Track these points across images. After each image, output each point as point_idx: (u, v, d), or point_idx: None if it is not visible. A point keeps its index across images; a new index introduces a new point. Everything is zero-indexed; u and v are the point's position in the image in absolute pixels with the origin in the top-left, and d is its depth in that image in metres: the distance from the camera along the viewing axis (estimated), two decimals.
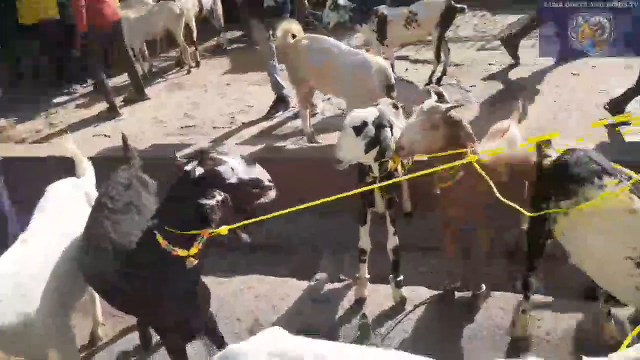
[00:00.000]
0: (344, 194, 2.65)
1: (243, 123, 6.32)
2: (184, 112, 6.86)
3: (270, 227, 4.47)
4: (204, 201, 2.27)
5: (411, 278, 3.81)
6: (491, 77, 6.72)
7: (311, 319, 3.64)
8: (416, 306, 3.67)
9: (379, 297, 3.78)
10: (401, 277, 3.66)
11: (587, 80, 6.24)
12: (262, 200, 2.37)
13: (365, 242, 3.62)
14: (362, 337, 3.43)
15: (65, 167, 3.73)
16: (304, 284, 4.07)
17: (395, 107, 3.80)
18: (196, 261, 2.41)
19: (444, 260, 4.13)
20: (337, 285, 4.05)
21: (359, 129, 2.96)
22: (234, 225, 2.33)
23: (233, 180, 2.29)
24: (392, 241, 3.56)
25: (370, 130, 2.96)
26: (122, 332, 3.75)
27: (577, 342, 3.23)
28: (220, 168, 2.29)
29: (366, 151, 3.03)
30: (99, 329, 3.66)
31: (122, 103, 7.31)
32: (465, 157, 3.00)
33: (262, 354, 1.73)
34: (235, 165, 2.31)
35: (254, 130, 6.14)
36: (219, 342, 2.94)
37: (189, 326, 2.67)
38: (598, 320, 3.21)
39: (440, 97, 3.05)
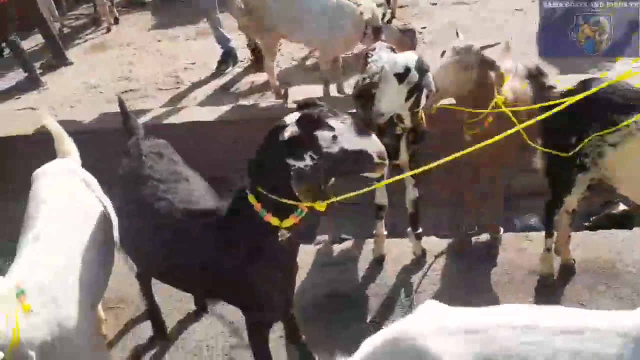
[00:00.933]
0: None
1: (192, 83, 5.79)
2: (118, 75, 6.17)
3: None
4: (292, 162, 1.96)
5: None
6: (438, 17, 6.62)
7: (334, 285, 3.45)
8: (436, 257, 3.58)
9: (395, 252, 3.65)
10: (420, 230, 3.54)
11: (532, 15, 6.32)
12: (368, 174, 2.06)
13: (382, 198, 3.44)
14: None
15: None
16: (311, 248, 3.84)
17: (393, 49, 3.60)
18: (288, 234, 2.12)
19: (441, 210, 4.06)
20: (343, 245, 3.86)
21: (402, 76, 2.69)
22: (332, 200, 2.02)
23: (333, 149, 1.95)
24: (412, 193, 3.40)
25: (414, 75, 2.70)
26: (126, 326, 3.34)
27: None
28: (320, 133, 1.94)
29: (406, 99, 2.80)
30: (102, 326, 3.19)
31: (41, 71, 6.44)
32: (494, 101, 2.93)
33: (454, 336, 1.48)
34: (341, 132, 1.95)
35: (207, 89, 5.64)
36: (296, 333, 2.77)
37: (282, 307, 2.41)
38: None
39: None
